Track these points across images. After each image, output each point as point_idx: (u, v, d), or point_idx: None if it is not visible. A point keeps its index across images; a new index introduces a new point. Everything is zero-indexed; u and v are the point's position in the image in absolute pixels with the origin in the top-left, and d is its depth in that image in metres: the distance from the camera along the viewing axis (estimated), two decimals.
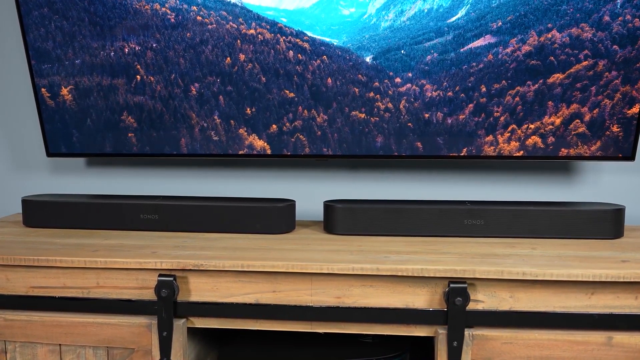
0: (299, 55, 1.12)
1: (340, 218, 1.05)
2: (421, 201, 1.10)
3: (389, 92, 1.12)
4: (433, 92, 1.11)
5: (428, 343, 1.00)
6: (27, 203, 1.11)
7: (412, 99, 1.12)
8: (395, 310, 0.84)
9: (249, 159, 1.29)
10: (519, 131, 1.11)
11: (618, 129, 1.09)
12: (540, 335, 0.81)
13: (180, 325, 0.86)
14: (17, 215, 1.28)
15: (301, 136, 1.16)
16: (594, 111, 1.09)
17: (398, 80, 1.12)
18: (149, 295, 0.87)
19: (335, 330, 0.86)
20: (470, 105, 1.11)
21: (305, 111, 1.15)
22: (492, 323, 0.83)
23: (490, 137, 1.12)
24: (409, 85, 1.12)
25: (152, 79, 1.16)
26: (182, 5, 1.11)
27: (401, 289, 0.84)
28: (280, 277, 0.85)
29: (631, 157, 1.11)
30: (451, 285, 0.81)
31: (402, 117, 1.13)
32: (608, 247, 0.94)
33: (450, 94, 1.11)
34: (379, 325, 0.85)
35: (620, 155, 1.11)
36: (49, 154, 1.24)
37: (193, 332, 0.91)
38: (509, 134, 1.12)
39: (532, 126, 1.11)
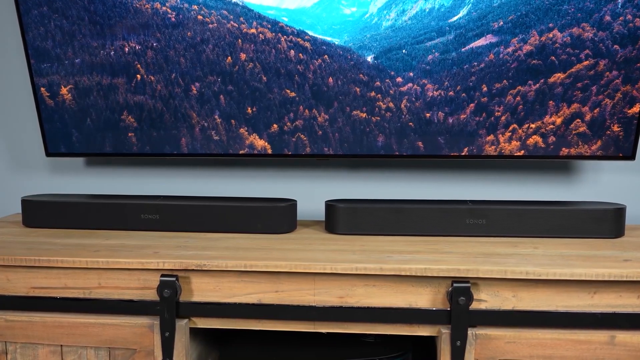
0: (300, 54, 1.12)
1: (342, 218, 1.04)
2: (423, 201, 1.10)
3: (390, 91, 1.12)
4: (434, 92, 1.11)
5: (430, 343, 1.00)
6: (26, 203, 1.11)
7: (413, 99, 1.12)
8: (398, 310, 0.84)
9: (249, 159, 1.28)
10: (520, 131, 1.12)
11: (618, 129, 1.10)
12: (543, 334, 0.82)
13: (182, 326, 0.86)
14: (16, 216, 1.27)
15: (302, 136, 1.16)
16: (595, 111, 1.09)
17: (399, 79, 1.12)
18: (151, 295, 0.87)
19: (338, 330, 0.86)
20: (472, 104, 1.11)
21: (307, 111, 1.15)
22: (495, 322, 0.83)
23: (491, 137, 1.12)
24: (410, 84, 1.12)
25: (152, 78, 1.16)
26: (183, 4, 1.11)
27: (404, 288, 0.84)
28: (283, 277, 0.85)
29: (631, 157, 1.11)
30: (454, 284, 0.81)
31: (403, 116, 1.13)
32: (609, 247, 0.94)
33: (451, 93, 1.11)
34: (382, 325, 0.85)
35: (621, 155, 1.11)
36: (48, 153, 1.23)
37: (195, 332, 0.91)
38: (510, 133, 1.12)
39: (533, 126, 1.11)
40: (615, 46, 1.05)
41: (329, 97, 1.14)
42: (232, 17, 1.11)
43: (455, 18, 1.08)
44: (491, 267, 0.81)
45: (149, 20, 1.13)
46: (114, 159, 1.33)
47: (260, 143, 1.17)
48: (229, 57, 1.13)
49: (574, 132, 1.11)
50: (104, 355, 0.88)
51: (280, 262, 0.84)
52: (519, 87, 1.09)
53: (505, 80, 1.09)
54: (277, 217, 1.05)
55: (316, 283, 0.85)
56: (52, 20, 1.14)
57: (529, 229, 1.02)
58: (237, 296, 0.86)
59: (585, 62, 1.07)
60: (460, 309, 0.81)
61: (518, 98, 1.10)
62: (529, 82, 1.09)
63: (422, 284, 0.84)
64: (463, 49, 1.09)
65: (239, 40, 1.12)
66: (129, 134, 1.19)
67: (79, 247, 0.94)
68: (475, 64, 1.09)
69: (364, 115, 1.14)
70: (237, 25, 1.12)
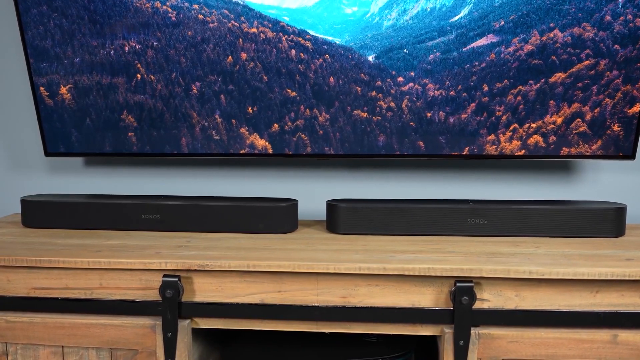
0: (301, 54, 1.12)
1: (344, 217, 1.04)
2: (424, 200, 1.10)
3: (392, 91, 1.12)
4: (435, 91, 1.11)
5: (431, 342, 1.00)
6: (26, 203, 1.10)
7: (414, 98, 1.12)
8: (401, 310, 0.84)
9: (250, 159, 1.28)
10: (521, 130, 1.12)
11: (619, 128, 1.10)
12: (545, 333, 0.82)
13: (185, 326, 0.86)
14: (15, 216, 1.26)
15: (303, 135, 1.16)
16: (595, 110, 1.09)
17: (400, 79, 1.12)
18: (153, 296, 0.86)
19: (341, 330, 0.86)
20: (473, 104, 1.11)
21: (307, 110, 1.15)
22: (498, 322, 0.83)
23: (492, 137, 1.13)
24: (411, 84, 1.12)
25: (152, 77, 1.15)
26: (184, 3, 1.11)
27: (407, 288, 0.84)
28: (285, 277, 0.85)
29: (631, 156, 1.11)
30: (457, 284, 0.81)
31: (404, 116, 1.13)
32: (611, 246, 0.95)
33: (452, 93, 1.11)
34: (385, 325, 0.85)
35: (621, 154, 1.12)
36: (47, 153, 1.23)
37: (196, 333, 0.91)
38: (511, 133, 1.12)
39: (533, 125, 1.11)
40: (615, 46, 1.05)
41: (330, 97, 1.14)
42: (232, 16, 1.11)
43: (456, 18, 1.08)
44: (494, 266, 0.81)
45: (149, 19, 1.12)
46: (114, 159, 1.32)
47: (260, 143, 1.17)
48: (230, 57, 1.13)
49: (574, 131, 1.11)
50: (105, 356, 0.88)
51: (283, 262, 0.84)
52: (520, 87, 1.09)
53: (506, 80, 1.09)
54: (279, 217, 1.05)
55: (319, 283, 0.85)
56: (51, 19, 1.14)
57: (530, 229, 1.02)
58: (240, 296, 0.86)
59: (586, 62, 1.07)
60: (463, 309, 0.81)
61: (519, 98, 1.10)
62: (530, 81, 1.09)
63: (425, 283, 0.84)
64: (464, 49, 1.09)
65: (240, 40, 1.12)
66: (129, 134, 1.19)
67: (80, 247, 0.93)
68: (477, 63, 1.09)
69: (365, 114, 1.14)
70: (237, 25, 1.11)
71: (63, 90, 1.18)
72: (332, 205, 1.06)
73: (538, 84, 1.09)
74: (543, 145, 1.12)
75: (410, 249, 0.92)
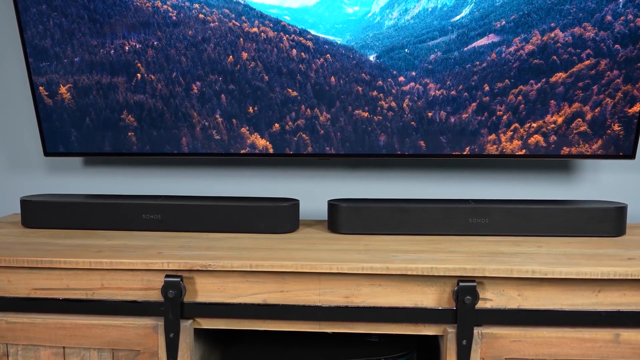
0: (302, 53, 1.12)
1: (345, 217, 1.04)
2: (426, 200, 1.10)
3: (393, 90, 1.12)
4: (436, 91, 1.12)
5: (433, 342, 1.00)
6: (26, 203, 1.10)
7: (415, 98, 1.12)
8: (404, 310, 0.84)
9: (250, 158, 1.28)
10: (522, 130, 1.12)
11: (619, 128, 1.10)
12: (548, 333, 0.82)
13: (187, 327, 0.86)
14: (14, 216, 1.26)
15: (304, 135, 1.16)
16: (596, 110, 1.10)
17: (402, 79, 1.12)
18: (155, 296, 0.86)
19: (344, 330, 0.86)
20: (474, 104, 1.11)
21: (308, 110, 1.14)
22: (501, 321, 0.83)
23: (493, 136, 1.13)
24: (412, 84, 1.12)
25: (152, 77, 1.15)
26: (184, 2, 1.10)
27: (410, 288, 0.84)
28: (288, 277, 0.85)
29: (631, 156, 1.12)
30: (460, 283, 0.81)
31: (405, 116, 1.13)
32: (612, 245, 0.95)
33: (453, 92, 1.11)
34: (388, 325, 0.85)
35: (621, 154, 1.12)
36: (47, 153, 1.22)
37: (197, 333, 0.90)
38: (512, 132, 1.12)
39: (534, 125, 1.12)
40: (616, 46, 1.06)
41: (331, 97, 1.14)
42: (233, 15, 1.11)
43: (457, 17, 1.08)
44: (497, 266, 0.81)
45: (150, 18, 1.12)
46: (113, 159, 1.32)
47: (261, 142, 1.17)
48: (231, 56, 1.12)
49: (574, 131, 1.11)
50: (107, 357, 0.88)
51: (286, 262, 0.83)
52: (521, 87, 1.10)
53: (507, 80, 1.09)
54: (280, 216, 1.05)
55: (322, 283, 0.85)
56: (51, 19, 1.13)
57: (531, 228, 1.02)
58: (242, 296, 0.86)
59: (587, 62, 1.07)
60: (466, 308, 0.81)
61: (520, 97, 1.10)
62: (531, 81, 1.09)
63: (427, 283, 0.83)
64: (465, 48, 1.09)
65: (241, 39, 1.12)
66: (129, 134, 1.18)
67: (81, 247, 0.93)
68: (478, 63, 1.09)
69: (366, 114, 1.14)
70: (238, 24, 1.11)
71: (62, 89, 1.17)
72: (334, 205, 1.05)
73: (539, 84, 1.09)
74: (544, 144, 1.12)
75: (413, 249, 0.92)
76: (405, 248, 0.93)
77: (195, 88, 1.15)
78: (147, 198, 1.10)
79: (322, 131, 1.15)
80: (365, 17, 1.10)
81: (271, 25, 1.11)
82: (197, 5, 1.10)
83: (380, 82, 1.12)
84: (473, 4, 1.07)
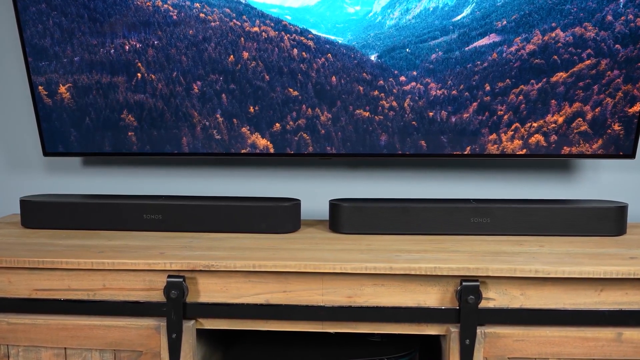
0: (303, 53, 1.11)
1: (347, 217, 1.04)
2: (427, 199, 1.10)
3: (394, 90, 1.12)
4: (437, 91, 1.12)
5: (435, 342, 1.00)
6: (25, 203, 1.09)
7: (416, 98, 1.12)
8: (407, 309, 0.84)
9: (251, 158, 1.27)
10: (522, 130, 1.12)
11: (619, 127, 1.11)
12: (551, 332, 0.82)
13: (189, 327, 0.85)
14: (13, 216, 1.25)
15: (305, 135, 1.16)
16: (596, 110, 1.10)
17: (403, 78, 1.12)
18: (157, 296, 0.86)
19: (347, 330, 0.86)
20: (475, 103, 1.12)
21: (309, 110, 1.14)
22: (504, 321, 0.83)
23: (493, 136, 1.13)
24: (413, 83, 1.12)
25: (153, 76, 1.14)
26: (185, 2, 1.10)
27: (413, 287, 0.84)
28: (291, 277, 0.85)
29: (631, 155, 1.12)
30: (464, 283, 0.81)
31: (406, 115, 1.13)
32: (613, 244, 0.95)
33: (454, 92, 1.11)
34: (391, 325, 0.85)
35: (621, 153, 1.12)
36: (46, 153, 1.21)
37: (199, 334, 0.90)
38: (513, 132, 1.13)
39: (535, 124, 1.12)
40: (616, 46, 1.06)
41: (332, 96, 1.13)
42: (234, 15, 1.10)
43: (459, 17, 1.08)
44: (500, 265, 0.81)
45: (150, 18, 1.11)
46: (113, 159, 1.31)
47: (262, 142, 1.17)
48: (231, 56, 1.12)
49: (575, 130, 1.12)
50: (109, 358, 0.87)
51: (289, 262, 0.83)
52: (522, 86, 1.10)
53: (508, 80, 1.10)
54: (281, 216, 1.05)
55: (324, 283, 0.85)
56: (50, 18, 1.12)
57: (532, 228, 1.02)
58: (245, 297, 0.85)
59: (587, 62, 1.08)
60: (469, 308, 0.81)
61: (521, 97, 1.10)
62: (532, 81, 1.09)
63: (430, 283, 0.83)
64: (466, 48, 1.09)
65: (242, 39, 1.11)
66: (129, 133, 1.18)
67: (82, 248, 0.92)
68: (479, 63, 1.09)
69: (367, 114, 1.14)
70: (239, 24, 1.11)
71: (62, 89, 1.17)
72: (335, 205, 1.05)
73: (540, 84, 1.09)
74: (544, 144, 1.13)
75: (415, 249, 0.92)
76: (408, 248, 0.93)
77: (196, 88, 1.14)
78: (148, 198, 1.10)
79: (323, 131, 1.15)
80: (366, 16, 1.10)
81: (272, 24, 1.10)
82: (197, 5, 1.10)
83: (381, 82, 1.12)
84: (474, 3, 1.07)
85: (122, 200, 1.07)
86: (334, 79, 1.13)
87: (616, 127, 1.10)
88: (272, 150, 1.17)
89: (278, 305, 0.85)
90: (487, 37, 1.08)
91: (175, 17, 1.11)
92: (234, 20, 1.10)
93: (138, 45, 1.13)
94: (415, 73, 1.11)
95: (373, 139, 1.15)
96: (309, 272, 0.84)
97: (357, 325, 0.85)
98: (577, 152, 1.13)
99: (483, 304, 0.83)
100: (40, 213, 1.08)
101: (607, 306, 0.82)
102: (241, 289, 0.85)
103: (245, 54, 1.12)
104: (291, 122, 1.15)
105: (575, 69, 1.08)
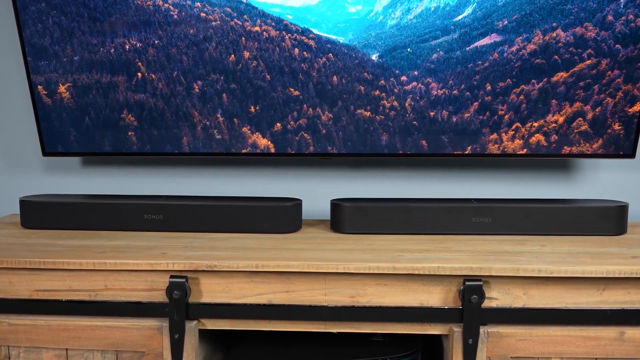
0: (305, 52, 1.11)
1: (348, 217, 1.04)
2: (429, 199, 1.10)
3: (395, 90, 1.12)
4: (438, 91, 1.12)
5: (437, 342, 1.00)
6: (25, 204, 1.08)
7: (417, 97, 1.12)
8: (410, 309, 0.84)
9: (252, 158, 1.27)
10: (523, 129, 1.12)
11: (619, 127, 1.11)
12: (553, 331, 0.82)
13: (192, 327, 0.85)
14: (12, 217, 1.24)
15: (306, 134, 1.15)
16: (597, 109, 1.10)
17: (404, 78, 1.12)
18: (159, 297, 0.85)
19: (350, 330, 0.86)
20: (475, 103, 1.12)
21: (310, 109, 1.14)
22: (507, 320, 0.83)
23: (494, 135, 1.13)
24: (414, 83, 1.12)
25: (153, 76, 1.14)
26: (186, 1, 1.09)
27: (415, 287, 0.84)
28: (293, 277, 0.84)
29: (632, 155, 1.13)
30: (467, 283, 0.81)
31: (407, 115, 1.13)
32: (614, 244, 0.96)
33: (455, 92, 1.11)
34: (394, 324, 0.85)
35: (621, 153, 1.13)
36: (45, 153, 1.21)
37: (201, 334, 0.90)
38: (513, 132, 1.13)
39: (535, 124, 1.12)
40: (617, 45, 1.06)
41: (333, 96, 1.13)
42: (235, 14, 1.10)
43: (460, 17, 1.08)
44: (503, 265, 0.81)
45: (151, 17, 1.11)
46: (113, 159, 1.31)
47: (263, 142, 1.16)
48: (232, 55, 1.12)
49: (575, 130, 1.12)
50: (111, 359, 0.87)
51: (292, 262, 0.83)
52: (523, 86, 1.10)
53: (509, 79, 1.10)
54: (283, 216, 1.04)
55: (327, 283, 0.84)
56: (50, 17, 1.12)
57: (534, 227, 1.03)
58: (247, 297, 0.85)
59: (588, 62, 1.08)
60: (472, 307, 0.81)
61: (521, 97, 1.11)
62: (533, 81, 1.10)
63: (433, 282, 0.84)
64: (468, 48, 1.09)
65: (243, 38, 1.11)
66: (129, 133, 1.17)
67: (83, 248, 0.92)
68: (480, 62, 1.09)
69: (368, 114, 1.14)
70: (240, 23, 1.10)
71: (62, 88, 1.16)
72: (337, 205, 1.05)
73: (540, 83, 1.10)
74: (545, 144, 1.13)
75: (417, 248, 0.92)
76: (410, 247, 0.93)
77: (197, 87, 1.14)
78: (149, 198, 1.10)
79: (324, 131, 1.15)
80: (367, 16, 1.10)
81: (273, 24, 1.10)
82: (198, 4, 1.09)
83: (382, 82, 1.12)
84: (475, 3, 1.07)
85: (123, 201, 1.07)
86: (335, 78, 1.12)
87: (616, 126, 1.11)
88: (273, 150, 1.17)
89: (281, 306, 0.85)
90: (488, 36, 1.08)
91: (175, 16, 1.10)
92: (235, 20, 1.10)
93: (138, 45, 1.12)
94: (416, 73, 1.11)
95: (374, 139, 1.15)
96: (312, 272, 0.84)
97: (360, 325, 0.85)
98: (578, 152, 1.13)
99: (486, 304, 0.83)
100: (40, 213, 1.08)
101: (610, 305, 0.83)
102: (244, 289, 0.85)
103: (246, 54, 1.12)
104: (292, 122, 1.15)
105: (575, 68, 1.08)
